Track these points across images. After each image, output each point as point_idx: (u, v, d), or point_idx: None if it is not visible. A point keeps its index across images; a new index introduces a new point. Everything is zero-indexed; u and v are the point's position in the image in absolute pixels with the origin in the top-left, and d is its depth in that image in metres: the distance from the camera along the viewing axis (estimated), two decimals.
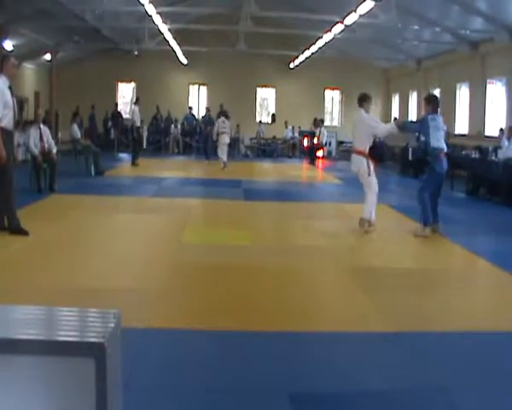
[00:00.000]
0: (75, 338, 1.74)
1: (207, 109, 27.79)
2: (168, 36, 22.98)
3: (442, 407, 3.88)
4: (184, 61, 28.63)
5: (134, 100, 21.14)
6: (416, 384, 4.14)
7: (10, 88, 8.15)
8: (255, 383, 4.11)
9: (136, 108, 20.32)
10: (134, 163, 19.98)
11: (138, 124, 20.65)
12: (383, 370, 4.40)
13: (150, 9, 17.96)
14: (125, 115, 29.04)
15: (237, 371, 4.28)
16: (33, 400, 1.70)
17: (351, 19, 17.90)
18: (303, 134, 28.08)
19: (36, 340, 1.72)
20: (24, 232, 8.22)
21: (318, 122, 25.18)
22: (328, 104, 32.22)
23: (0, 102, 7.91)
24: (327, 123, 29.62)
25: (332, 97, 32.15)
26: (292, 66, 29.62)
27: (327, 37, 21.63)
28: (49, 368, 1.70)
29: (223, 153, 20.25)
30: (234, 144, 28.25)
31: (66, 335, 1.75)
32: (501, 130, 16.75)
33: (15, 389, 1.71)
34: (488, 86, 20.48)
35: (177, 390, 3.93)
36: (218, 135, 20.42)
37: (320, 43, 23.12)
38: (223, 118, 20.68)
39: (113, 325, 1.84)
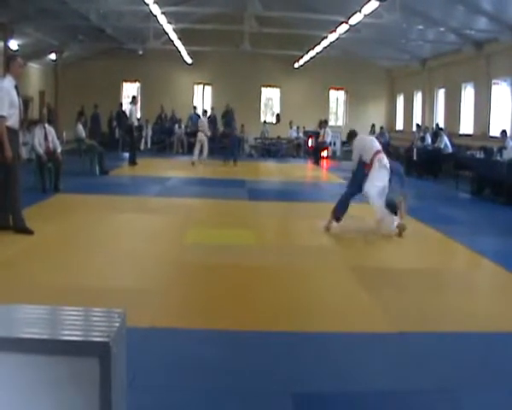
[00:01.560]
0: (80, 338, 1.75)
1: (213, 109, 28.06)
2: (173, 36, 22.98)
3: (445, 408, 3.88)
4: (189, 60, 28.63)
5: (130, 100, 21.04)
6: (420, 385, 4.14)
7: (16, 87, 8.18)
8: (258, 382, 4.11)
9: (133, 108, 20.33)
10: (133, 162, 19.93)
11: (136, 123, 20.75)
12: (386, 370, 4.41)
13: (155, 9, 17.95)
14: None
15: (240, 370, 4.30)
16: (38, 398, 1.71)
17: (355, 19, 17.86)
18: (308, 134, 28.07)
19: (41, 339, 1.73)
20: (29, 231, 8.24)
21: (323, 123, 25.20)
22: (332, 104, 32.18)
23: (6, 101, 7.94)
24: (331, 123, 29.61)
25: (337, 97, 32.11)
26: (296, 66, 29.58)
27: (331, 37, 21.58)
28: (54, 367, 1.71)
29: (196, 149, 21.58)
30: (239, 144, 28.31)
31: (72, 334, 1.77)
32: (503, 131, 16.59)
33: (20, 387, 1.72)
34: (493, 86, 20.43)
35: (179, 390, 3.94)
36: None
37: (325, 43, 23.07)
38: (202, 117, 22.28)
39: (117, 324, 1.85)
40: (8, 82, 8.09)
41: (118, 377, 1.79)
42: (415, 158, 19.86)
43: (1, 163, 8.01)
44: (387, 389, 4.06)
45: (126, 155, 21.43)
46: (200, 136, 21.63)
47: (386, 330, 5.23)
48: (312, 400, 3.89)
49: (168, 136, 27.74)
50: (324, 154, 25.20)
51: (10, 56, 8.53)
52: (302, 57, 27.78)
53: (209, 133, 22.01)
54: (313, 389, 4.03)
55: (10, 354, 1.72)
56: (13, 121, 8.08)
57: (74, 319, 1.91)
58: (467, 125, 22.34)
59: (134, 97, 21.01)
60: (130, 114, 20.28)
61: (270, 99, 32.15)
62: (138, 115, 29.43)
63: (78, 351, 1.72)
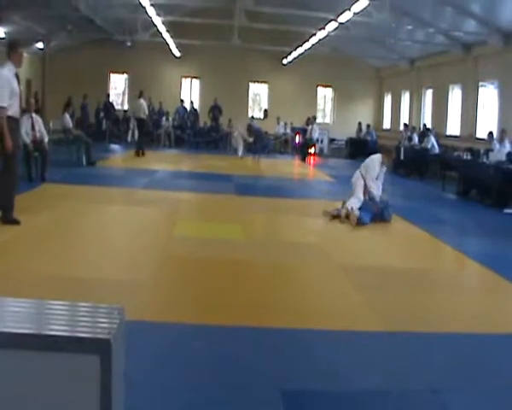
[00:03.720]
0: (80, 334, 1.72)
1: (192, 103, 28.52)
2: (161, 28, 22.90)
3: (433, 408, 3.89)
4: (177, 53, 28.53)
5: (138, 94, 21.76)
6: (408, 385, 4.15)
7: (17, 75, 8.07)
8: (247, 379, 4.10)
9: (144, 102, 21.34)
10: (138, 154, 20.77)
11: (144, 116, 21.47)
12: (375, 369, 4.41)
13: (144, 1, 17.89)
14: (117, 106, 28.97)
15: (228, 366, 4.28)
16: (37, 396, 1.69)
17: (345, 17, 17.93)
18: (295, 131, 28.08)
19: (40, 335, 1.70)
20: (15, 222, 8.16)
21: (311, 119, 25.24)
22: (320, 101, 32.22)
23: (6, 91, 7.83)
24: (319, 120, 29.63)
25: (324, 95, 32.15)
26: (285, 62, 29.57)
27: (320, 34, 21.63)
28: (54, 364, 1.68)
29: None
30: (226, 139, 28.30)
31: (71, 330, 1.74)
32: (490, 133, 16.74)
33: (18, 384, 1.70)
34: (480, 89, 20.56)
35: (167, 386, 3.91)
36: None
37: (313, 40, 23.10)
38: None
39: (117, 321, 1.83)
40: (8, 70, 7.98)
41: (117, 374, 1.77)
42: (402, 157, 19.93)
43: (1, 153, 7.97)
44: (376, 389, 4.06)
45: (113, 146, 21.38)
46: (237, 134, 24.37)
47: (374, 329, 5.24)
48: (302, 397, 3.89)
49: (155, 128, 27.63)
50: (311, 151, 25.22)
51: (12, 44, 8.34)
52: (291, 54, 27.78)
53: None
54: (302, 387, 4.03)
55: (7, 350, 1.69)
56: (14, 110, 7.98)
57: (73, 314, 1.88)
58: (454, 127, 22.47)
59: (142, 92, 21.68)
60: (142, 107, 21.11)
61: (258, 95, 32.11)
62: (126, 107, 29.39)
63: (79, 348, 1.69)
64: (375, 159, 10.94)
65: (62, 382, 1.69)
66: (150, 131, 23.87)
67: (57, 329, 1.75)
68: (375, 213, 10.28)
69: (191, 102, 29.58)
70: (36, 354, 1.69)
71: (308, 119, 25.70)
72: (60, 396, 1.69)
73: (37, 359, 1.69)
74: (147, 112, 21.91)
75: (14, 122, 7.99)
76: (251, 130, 24.50)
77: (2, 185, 8.15)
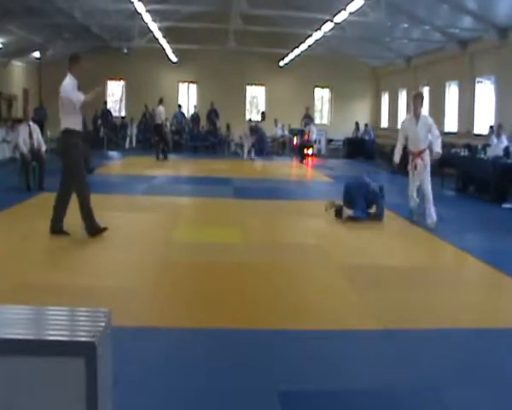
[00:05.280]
0: (65, 338, 1.73)
1: (195, 107, 28.51)
2: (158, 34, 22.93)
3: (431, 405, 3.89)
4: (174, 59, 28.55)
5: (158, 100, 22.64)
6: (406, 382, 4.16)
7: (78, 88, 8.10)
8: (244, 381, 4.11)
9: (162, 108, 22.27)
10: (158, 158, 21.83)
11: (160, 122, 22.58)
12: (373, 368, 4.42)
13: (140, 7, 17.90)
14: (115, 113, 28.96)
15: (227, 369, 4.29)
16: (23, 399, 1.69)
17: (340, 17, 17.92)
18: (293, 133, 28.07)
19: (26, 340, 1.71)
20: (63, 232, 8.31)
21: (308, 120, 25.27)
22: (317, 102, 32.21)
23: (75, 93, 7.92)
24: (316, 121, 29.65)
25: (322, 95, 32.15)
26: (282, 64, 29.58)
27: (316, 35, 21.64)
28: (39, 368, 1.69)
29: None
30: (224, 142, 28.33)
31: (56, 334, 1.75)
32: (490, 127, 16.79)
33: (4, 388, 1.70)
34: (477, 85, 20.55)
35: (165, 390, 3.92)
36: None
37: (310, 41, 23.12)
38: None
39: (103, 324, 1.84)
40: (70, 81, 8.02)
41: (103, 376, 1.77)
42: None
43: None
44: (374, 387, 4.07)
45: (111, 153, 21.38)
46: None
47: (372, 327, 5.24)
48: (299, 398, 3.89)
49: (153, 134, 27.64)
50: (309, 152, 25.21)
51: (73, 56, 8.41)
52: (287, 55, 27.80)
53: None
54: (300, 387, 4.03)
55: None
56: (74, 122, 8.07)
57: (59, 319, 1.89)
58: (451, 123, 22.46)
59: (162, 99, 22.68)
60: (159, 113, 22.25)
61: (255, 97, 32.11)
62: (123, 114, 29.44)
63: (64, 351, 1.70)
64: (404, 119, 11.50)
65: (48, 385, 1.70)
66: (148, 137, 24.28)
67: (42, 333, 1.76)
68: (368, 199, 10.39)
69: (194, 107, 29.61)
70: (20, 359, 1.69)
71: (306, 111, 25.97)
72: (45, 399, 1.70)
73: (22, 363, 1.70)
74: (164, 117, 22.79)
75: (77, 136, 8.04)
76: (254, 131, 24.73)
77: (61, 198, 8.22)
